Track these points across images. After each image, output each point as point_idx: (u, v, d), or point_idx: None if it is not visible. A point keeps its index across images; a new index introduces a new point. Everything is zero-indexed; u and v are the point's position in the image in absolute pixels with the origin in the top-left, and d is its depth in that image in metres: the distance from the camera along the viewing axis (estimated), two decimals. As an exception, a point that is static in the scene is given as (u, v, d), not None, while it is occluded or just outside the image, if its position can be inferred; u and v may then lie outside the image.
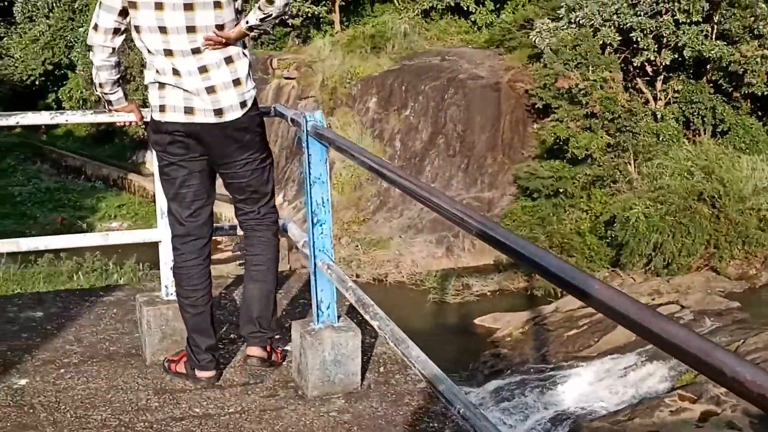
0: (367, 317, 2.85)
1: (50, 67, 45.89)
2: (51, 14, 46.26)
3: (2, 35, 50.97)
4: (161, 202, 3.52)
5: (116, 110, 3.45)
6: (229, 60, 3.12)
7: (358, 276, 20.04)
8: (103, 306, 4.07)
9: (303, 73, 27.72)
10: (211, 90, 3.08)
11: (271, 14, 3.05)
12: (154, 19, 3.01)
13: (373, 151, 25.36)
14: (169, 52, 3.05)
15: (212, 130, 3.11)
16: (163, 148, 3.18)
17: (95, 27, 3.18)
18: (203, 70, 3.08)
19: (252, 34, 3.13)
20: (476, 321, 18.16)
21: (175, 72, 3.07)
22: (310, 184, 3.22)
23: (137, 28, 3.08)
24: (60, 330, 3.80)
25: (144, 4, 3.01)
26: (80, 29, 42.36)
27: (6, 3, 50.94)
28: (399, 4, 28.69)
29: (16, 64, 47.74)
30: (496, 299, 19.78)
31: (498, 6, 27.29)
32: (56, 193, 36.36)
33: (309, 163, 3.21)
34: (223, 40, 3.07)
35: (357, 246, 21.77)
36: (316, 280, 3.25)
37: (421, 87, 24.66)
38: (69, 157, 41.29)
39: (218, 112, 3.10)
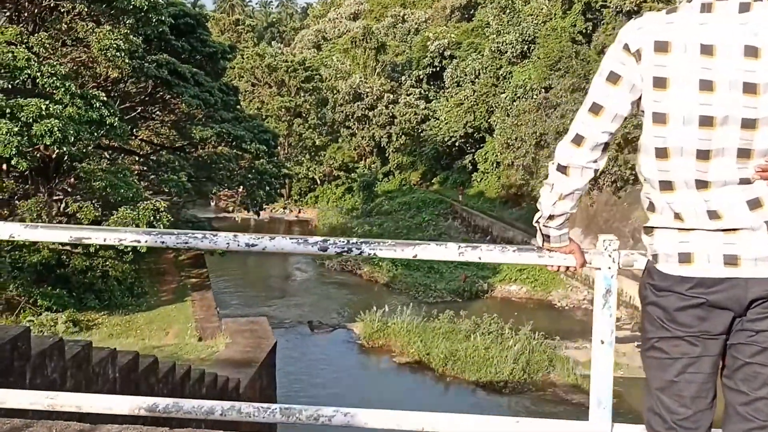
0: None
1: (470, 130, 48.36)
2: (477, 80, 48.84)
3: (431, 98, 55.07)
4: (601, 388, 2.65)
5: (551, 249, 2.65)
6: None
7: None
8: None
9: None
10: None
11: None
12: (695, 139, 2.10)
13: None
14: (702, 184, 2.14)
15: (761, 287, 2.12)
16: (668, 314, 2.20)
17: (577, 140, 2.29)
18: (755, 204, 2.12)
19: None
20: None
21: (711, 211, 2.14)
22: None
23: (661, 151, 2.16)
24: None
25: (681, 119, 2.10)
26: (502, 95, 43.92)
27: (438, 69, 55.03)
28: None
29: (440, 125, 51.17)
30: None
31: None
32: (462, 250, 37.62)
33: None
34: None
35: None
36: None
37: None
38: (478, 217, 42.76)
39: None
